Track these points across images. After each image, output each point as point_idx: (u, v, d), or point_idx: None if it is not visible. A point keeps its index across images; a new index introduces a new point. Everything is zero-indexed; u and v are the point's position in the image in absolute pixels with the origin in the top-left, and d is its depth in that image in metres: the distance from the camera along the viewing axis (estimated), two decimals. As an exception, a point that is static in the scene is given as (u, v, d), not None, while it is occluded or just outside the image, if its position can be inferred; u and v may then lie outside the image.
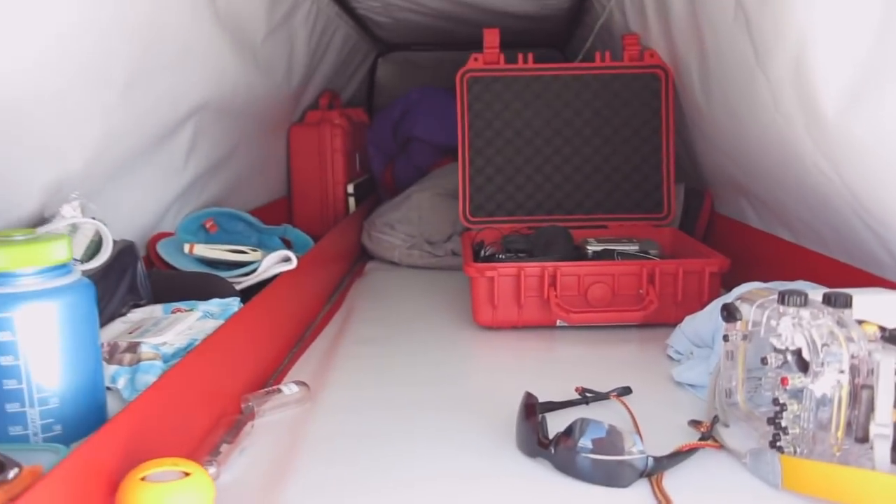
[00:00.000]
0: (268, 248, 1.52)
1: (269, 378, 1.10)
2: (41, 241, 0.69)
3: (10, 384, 0.67)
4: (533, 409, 0.84)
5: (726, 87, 1.26)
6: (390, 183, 2.35)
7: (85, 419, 0.71)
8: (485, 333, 1.29)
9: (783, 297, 0.77)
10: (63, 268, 0.71)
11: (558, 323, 1.27)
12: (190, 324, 0.94)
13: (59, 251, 0.70)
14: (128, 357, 0.83)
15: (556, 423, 0.81)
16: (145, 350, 0.84)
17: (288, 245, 1.58)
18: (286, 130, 2.05)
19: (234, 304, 1.05)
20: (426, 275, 1.74)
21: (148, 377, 0.81)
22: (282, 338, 1.19)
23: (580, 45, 2.39)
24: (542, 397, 0.89)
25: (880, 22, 0.82)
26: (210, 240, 1.44)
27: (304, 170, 2.05)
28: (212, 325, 0.95)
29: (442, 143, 2.22)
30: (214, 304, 1.03)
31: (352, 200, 2.07)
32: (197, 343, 0.89)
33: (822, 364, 0.73)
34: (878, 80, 0.84)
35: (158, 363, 0.83)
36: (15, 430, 0.67)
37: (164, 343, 0.87)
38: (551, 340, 1.25)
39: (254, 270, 1.25)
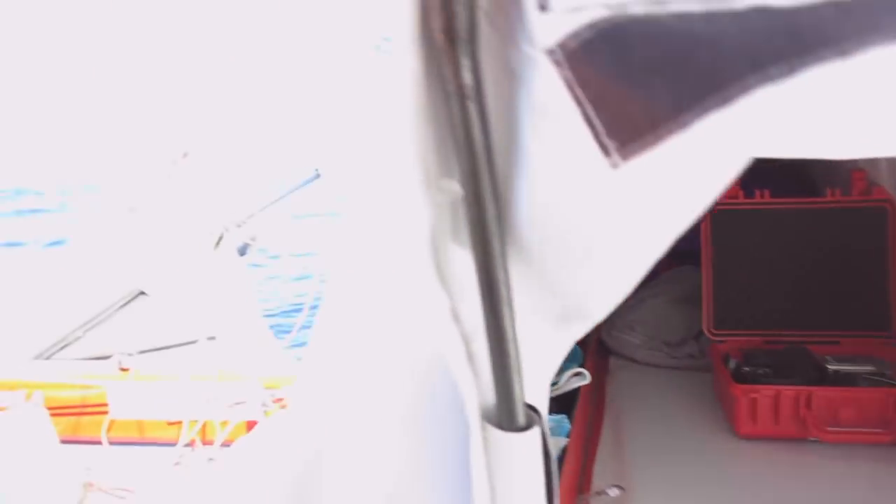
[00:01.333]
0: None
1: (578, 479, 1.41)
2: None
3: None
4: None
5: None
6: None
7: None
8: (746, 443, 1.55)
9: None
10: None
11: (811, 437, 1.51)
12: (545, 440, 1.27)
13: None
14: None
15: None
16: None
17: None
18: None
19: (563, 420, 1.37)
20: (667, 375, 2.00)
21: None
22: (582, 441, 1.51)
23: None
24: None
25: None
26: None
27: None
28: (562, 442, 1.27)
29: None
30: (550, 420, 1.36)
31: (587, 298, 2.37)
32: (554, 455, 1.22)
33: None
34: None
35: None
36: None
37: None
38: (806, 454, 1.49)
39: (554, 384, 1.58)
